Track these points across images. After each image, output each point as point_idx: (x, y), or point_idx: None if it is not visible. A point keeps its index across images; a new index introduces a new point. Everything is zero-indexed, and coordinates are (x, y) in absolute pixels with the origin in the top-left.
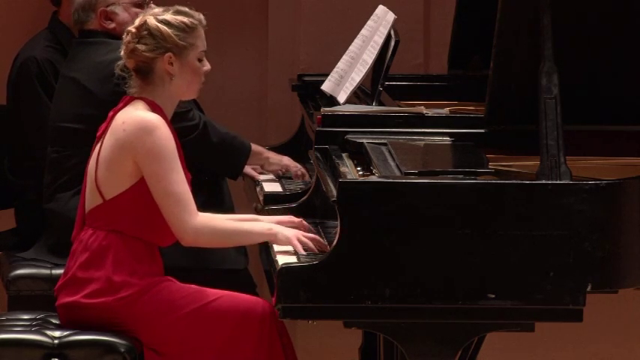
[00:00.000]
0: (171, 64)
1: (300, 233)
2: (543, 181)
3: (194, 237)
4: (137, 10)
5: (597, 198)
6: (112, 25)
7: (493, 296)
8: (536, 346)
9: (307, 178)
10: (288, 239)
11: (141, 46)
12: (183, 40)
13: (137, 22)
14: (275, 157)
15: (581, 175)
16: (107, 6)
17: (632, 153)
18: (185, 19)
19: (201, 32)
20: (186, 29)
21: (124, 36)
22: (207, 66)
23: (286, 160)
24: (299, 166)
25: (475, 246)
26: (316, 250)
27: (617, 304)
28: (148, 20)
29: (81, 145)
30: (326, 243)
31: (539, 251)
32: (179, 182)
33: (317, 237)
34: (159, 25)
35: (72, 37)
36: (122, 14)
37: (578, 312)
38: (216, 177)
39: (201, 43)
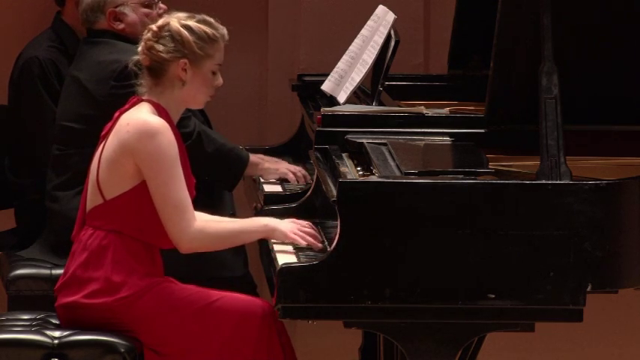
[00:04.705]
0: (185, 70)
1: (296, 227)
2: (543, 181)
3: (190, 244)
4: (146, 10)
5: (597, 198)
6: (122, 26)
7: (493, 296)
8: (536, 346)
9: (308, 179)
10: (285, 234)
11: (159, 46)
12: (202, 50)
13: (160, 21)
14: (272, 167)
15: (581, 175)
16: (116, 7)
17: (632, 153)
18: (208, 30)
19: (221, 46)
20: (206, 39)
21: (144, 32)
22: (219, 80)
23: (283, 168)
24: (297, 168)
25: (475, 246)
26: (317, 245)
27: (617, 304)
28: (171, 22)
29: (82, 145)
30: (324, 240)
31: (539, 251)
32: (178, 189)
33: (315, 233)
34: (181, 29)
35: (75, 37)
36: (131, 15)
37: (578, 312)
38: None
39: (219, 56)
